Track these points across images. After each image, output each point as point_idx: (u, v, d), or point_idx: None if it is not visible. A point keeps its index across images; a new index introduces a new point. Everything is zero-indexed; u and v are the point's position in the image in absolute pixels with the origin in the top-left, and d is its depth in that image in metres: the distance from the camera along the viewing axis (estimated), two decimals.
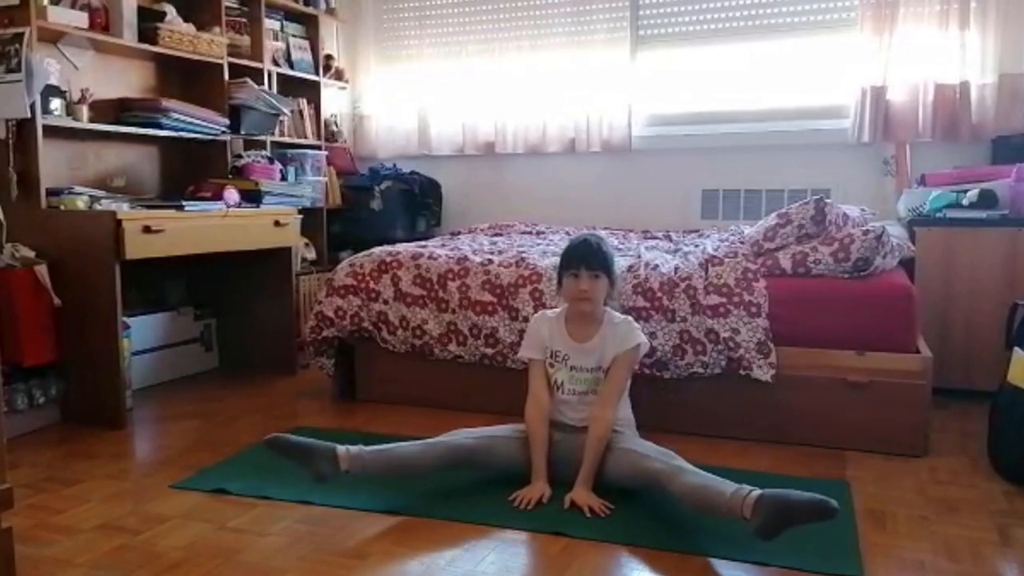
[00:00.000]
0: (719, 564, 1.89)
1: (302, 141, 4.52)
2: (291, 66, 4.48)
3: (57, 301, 2.92)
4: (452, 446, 2.30)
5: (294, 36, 4.55)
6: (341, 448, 2.20)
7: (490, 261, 3.14)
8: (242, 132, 3.96)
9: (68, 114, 3.21)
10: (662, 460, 2.12)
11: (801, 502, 1.81)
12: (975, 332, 3.22)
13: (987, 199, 3.26)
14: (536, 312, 2.68)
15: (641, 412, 2.51)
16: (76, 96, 3.26)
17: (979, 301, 3.21)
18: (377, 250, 3.38)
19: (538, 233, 4.11)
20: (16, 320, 2.81)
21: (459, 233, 4.23)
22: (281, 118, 4.22)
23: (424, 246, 3.47)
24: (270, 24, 4.32)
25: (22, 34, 2.90)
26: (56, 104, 3.13)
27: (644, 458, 2.17)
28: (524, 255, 3.20)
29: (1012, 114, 3.72)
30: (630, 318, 2.48)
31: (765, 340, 2.73)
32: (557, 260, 2.49)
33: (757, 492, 1.89)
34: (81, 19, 3.20)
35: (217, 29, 3.81)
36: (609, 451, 2.26)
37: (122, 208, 3.10)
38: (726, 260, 2.88)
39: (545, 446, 2.31)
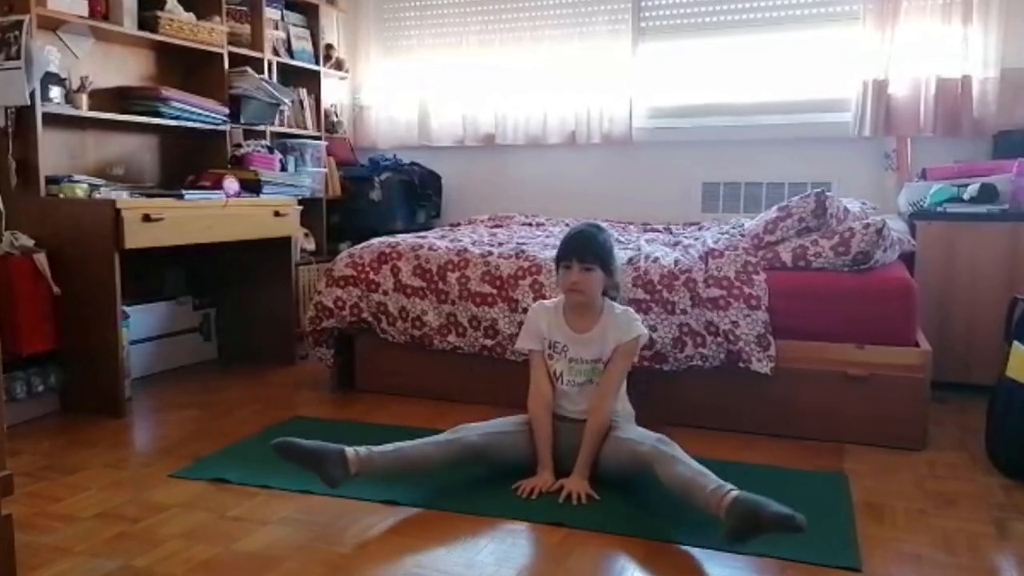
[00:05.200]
0: (718, 556, 1.89)
1: (302, 131, 4.52)
2: (291, 56, 4.47)
3: (56, 290, 2.91)
4: (463, 445, 2.26)
5: (294, 26, 4.54)
6: (350, 450, 2.14)
7: (490, 253, 3.14)
8: (242, 122, 3.96)
9: (68, 102, 3.20)
10: (656, 447, 2.13)
11: (772, 514, 1.79)
12: (975, 326, 3.22)
13: (988, 194, 3.26)
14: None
15: (640, 405, 2.51)
16: (76, 84, 3.25)
17: (979, 295, 3.22)
18: (377, 241, 3.37)
19: (538, 225, 4.11)
20: (15, 308, 2.81)
21: (459, 225, 4.22)
22: (281, 108, 4.21)
23: (424, 237, 3.46)
24: (270, 13, 4.31)
25: (22, 21, 2.89)
26: (56, 92, 3.12)
27: (639, 445, 2.17)
28: (524, 247, 3.20)
29: (1014, 109, 3.72)
30: (630, 309, 2.47)
31: (765, 333, 2.73)
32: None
33: (734, 494, 1.88)
34: (81, 6, 3.19)
35: (217, 18, 3.81)
36: (606, 440, 2.26)
37: (122, 197, 3.09)
38: (726, 253, 2.88)
39: (550, 437, 2.31)
